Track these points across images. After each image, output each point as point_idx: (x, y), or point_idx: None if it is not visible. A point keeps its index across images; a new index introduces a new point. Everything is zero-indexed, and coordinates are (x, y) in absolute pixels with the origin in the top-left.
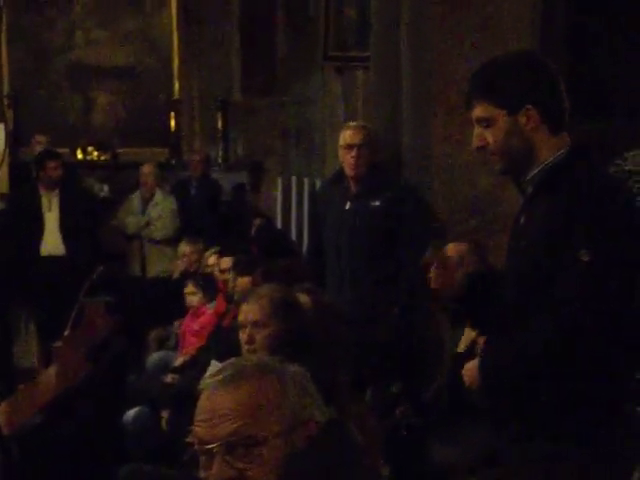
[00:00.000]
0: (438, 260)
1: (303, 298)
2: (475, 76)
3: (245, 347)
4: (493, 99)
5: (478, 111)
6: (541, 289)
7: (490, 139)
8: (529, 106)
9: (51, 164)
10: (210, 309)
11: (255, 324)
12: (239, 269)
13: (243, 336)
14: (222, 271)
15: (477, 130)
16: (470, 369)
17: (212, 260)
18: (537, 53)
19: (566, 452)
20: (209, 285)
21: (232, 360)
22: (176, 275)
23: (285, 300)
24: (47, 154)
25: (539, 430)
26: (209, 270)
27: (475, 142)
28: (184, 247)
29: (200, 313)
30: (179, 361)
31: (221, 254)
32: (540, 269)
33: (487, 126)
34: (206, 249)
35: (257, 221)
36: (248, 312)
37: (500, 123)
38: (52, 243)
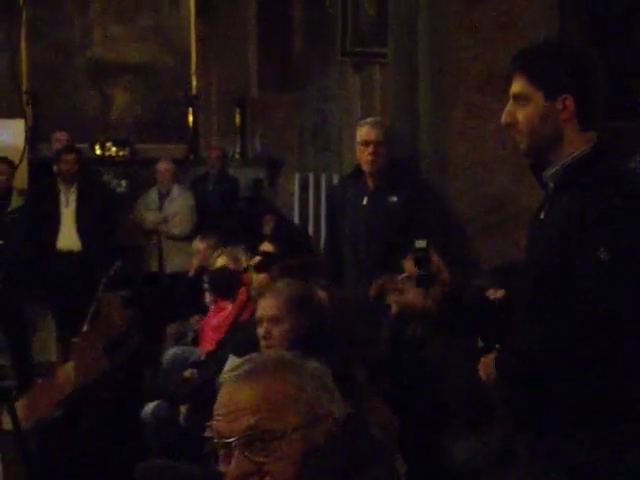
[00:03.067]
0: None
1: (320, 294)
2: (523, 52)
3: (262, 342)
4: (534, 78)
5: (516, 87)
6: (558, 286)
7: (522, 118)
8: (567, 95)
9: (68, 158)
10: (231, 305)
11: (272, 319)
12: (256, 266)
13: (260, 331)
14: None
15: (510, 106)
16: (486, 363)
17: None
18: (592, 50)
19: (580, 450)
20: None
21: (252, 355)
22: (191, 273)
23: (302, 296)
24: (64, 148)
25: (554, 427)
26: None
27: (504, 118)
28: (198, 244)
29: (221, 308)
30: (202, 356)
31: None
32: (558, 266)
33: (522, 104)
34: (222, 245)
35: (268, 218)
36: (265, 307)
37: (536, 104)
38: (68, 238)
